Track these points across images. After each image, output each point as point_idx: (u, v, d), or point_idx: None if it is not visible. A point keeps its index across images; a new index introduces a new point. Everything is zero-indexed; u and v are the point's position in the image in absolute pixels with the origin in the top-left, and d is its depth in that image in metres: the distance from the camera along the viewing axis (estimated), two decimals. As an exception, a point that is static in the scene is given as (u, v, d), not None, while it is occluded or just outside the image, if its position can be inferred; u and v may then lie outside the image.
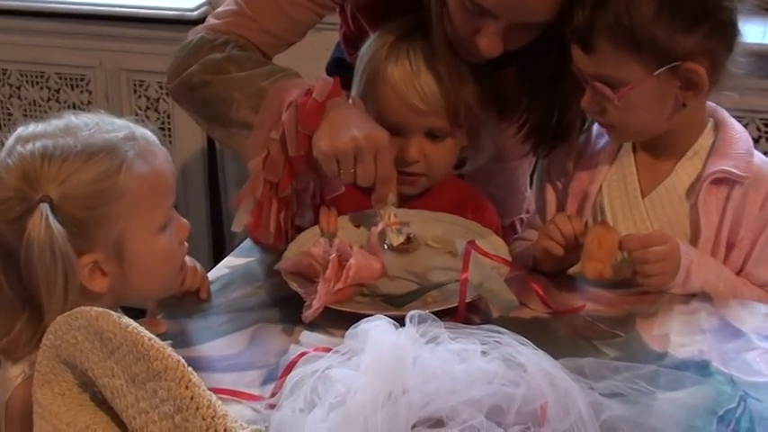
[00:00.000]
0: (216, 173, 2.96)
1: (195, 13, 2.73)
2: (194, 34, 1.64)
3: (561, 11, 1.45)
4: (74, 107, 2.94)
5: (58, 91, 2.95)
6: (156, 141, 1.29)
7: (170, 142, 2.92)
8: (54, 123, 1.25)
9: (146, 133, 1.28)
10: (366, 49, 1.66)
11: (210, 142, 2.92)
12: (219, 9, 1.68)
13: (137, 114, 2.91)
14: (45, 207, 1.17)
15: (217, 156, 2.94)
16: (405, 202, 1.64)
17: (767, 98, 2.33)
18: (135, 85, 2.90)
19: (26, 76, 2.97)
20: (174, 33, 2.77)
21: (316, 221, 1.62)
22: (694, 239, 1.52)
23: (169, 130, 2.92)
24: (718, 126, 1.55)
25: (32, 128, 1.25)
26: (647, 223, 1.55)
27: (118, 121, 1.28)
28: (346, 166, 1.46)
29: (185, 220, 1.35)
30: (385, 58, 1.61)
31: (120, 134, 1.25)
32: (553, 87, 1.61)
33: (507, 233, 1.79)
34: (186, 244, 1.36)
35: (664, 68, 1.42)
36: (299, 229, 1.63)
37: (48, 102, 2.98)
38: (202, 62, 1.58)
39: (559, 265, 1.54)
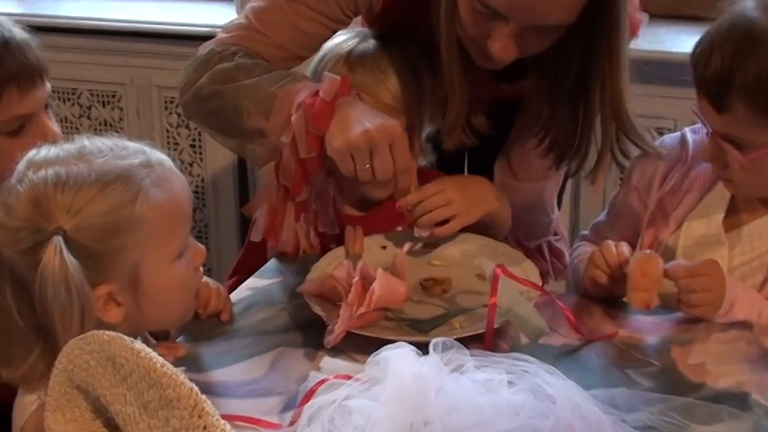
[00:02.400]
0: (247, 190, 2.94)
1: (227, 29, 2.72)
2: (203, 48, 1.63)
3: (579, 13, 1.39)
4: (105, 124, 2.94)
5: (89, 108, 2.95)
6: (173, 167, 1.26)
7: (201, 159, 2.91)
8: (67, 148, 1.22)
9: (161, 159, 1.24)
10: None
11: (241, 159, 2.91)
12: (228, 23, 1.66)
13: (167, 131, 2.90)
14: (59, 240, 1.14)
15: (248, 172, 2.92)
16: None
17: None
18: (166, 101, 2.90)
19: (58, 92, 2.96)
20: (203, 50, 2.77)
21: (340, 231, 1.59)
22: None
23: (200, 147, 2.91)
24: None
25: (44, 152, 1.21)
26: (725, 257, 1.51)
27: (132, 146, 1.24)
28: (361, 161, 1.43)
29: (201, 246, 1.31)
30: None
31: (136, 161, 1.21)
32: (576, 99, 1.55)
33: (533, 255, 1.74)
34: (201, 269, 1.33)
35: None
36: (324, 238, 1.61)
37: (79, 118, 2.98)
38: (211, 73, 1.56)
39: (608, 294, 1.50)
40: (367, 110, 1.49)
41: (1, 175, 1.27)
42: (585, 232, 1.76)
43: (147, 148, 1.24)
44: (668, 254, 1.54)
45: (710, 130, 1.44)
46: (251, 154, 1.56)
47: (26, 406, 1.21)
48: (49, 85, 1.53)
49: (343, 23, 1.65)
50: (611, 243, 1.49)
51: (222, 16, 2.76)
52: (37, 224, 1.15)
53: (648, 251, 1.46)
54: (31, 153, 1.22)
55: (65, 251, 1.13)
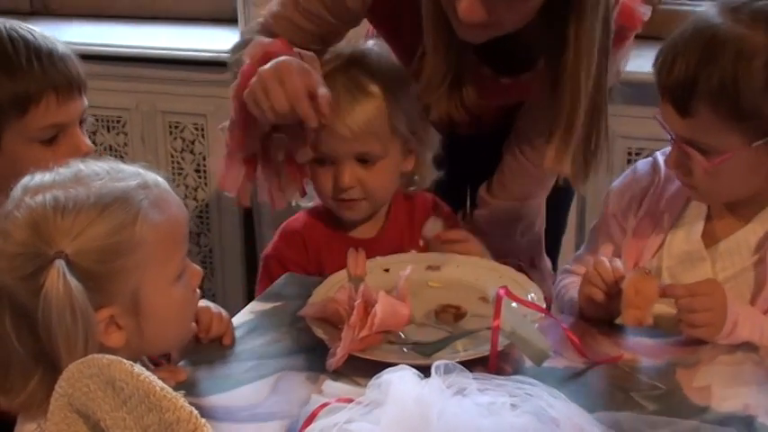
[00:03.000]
0: (251, 215, 2.94)
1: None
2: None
3: None
4: (110, 149, 2.94)
5: (94, 133, 2.94)
6: (169, 188, 1.25)
7: (206, 184, 2.91)
8: (62, 173, 1.21)
9: (158, 180, 1.24)
10: None
11: (246, 184, 2.90)
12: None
13: (172, 156, 2.91)
14: (61, 263, 1.12)
15: (253, 200, 2.91)
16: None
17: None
18: (171, 126, 2.90)
19: (62, 117, 2.97)
20: (210, 75, 2.77)
21: (302, 193, 1.69)
22: (758, 293, 1.47)
23: (204, 171, 2.91)
24: None
25: (39, 178, 1.20)
26: (709, 274, 1.50)
27: (128, 169, 1.23)
28: (260, 103, 1.48)
29: (197, 267, 1.31)
30: None
31: (133, 182, 1.20)
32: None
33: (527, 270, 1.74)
34: (198, 291, 1.32)
35: (763, 141, 1.37)
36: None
37: (84, 143, 2.98)
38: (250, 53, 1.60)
39: (605, 312, 1.48)
40: (282, 59, 1.51)
41: None
42: (568, 266, 1.74)
43: (142, 170, 1.24)
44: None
45: (674, 137, 1.43)
46: None
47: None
48: (86, 101, 1.56)
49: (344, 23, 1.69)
50: (604, 259, 1.47)
51: (227, 41, 2.76)
52: (37, 249, 1.14)
53: (644, 268, 1.46)
54: (26, 179, 1.21)
55: (68, 274, 1.12)
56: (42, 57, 1.48)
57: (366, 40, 1.80)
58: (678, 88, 1.38)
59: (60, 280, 1.12)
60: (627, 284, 1.40)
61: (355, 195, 1.66)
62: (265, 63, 1.51)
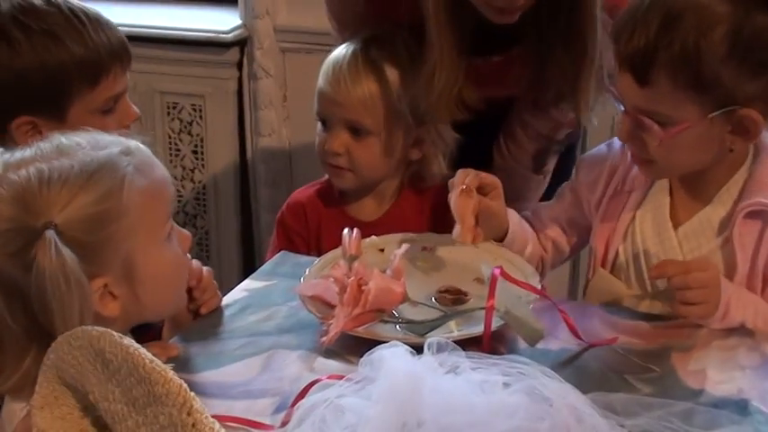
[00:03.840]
0: (248, 197, 2.93)
1: (230, 35, 2.71)
2: None
3: None
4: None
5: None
6: (149, 152, 1.25)
7: (203, 165, 2.90)
8: (43, 147, 1.19)
9: (139, 145, 1.24)
10: None
11: (243, 166, 2.90)
12: None
13: (169, 137, 2.89)
14: (51, 234, 1.11)
15: (249, 180, 2.91)
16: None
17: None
18: (168, 107, 2.88)
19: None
20: (208, 56, 2.76)
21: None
22: (729, 274, 1.45)
23: (202, 153, 2.90)
24: (756, 156, 1.48)
25: (20, 153, 1.19)
26: (678, 255, 1.49)
27: (108, 137, 1.23)
28: None
29: (186, 231, 1.32)
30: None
31: (116, 149, 1.20)
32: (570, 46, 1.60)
33: None
34: (189, 255, 1.33)
35: (720, 112, 1.35)
36: None
37: (81, 124, 2.97)
38: None
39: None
40: None
41: None
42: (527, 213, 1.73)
43: (122, 138, 1.23)
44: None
45: (628, 108, 1.41)
46: None
47: (15, 412, 1.19)
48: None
49: None
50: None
51: (226, 22, 2.76)
52: (24, 223, 1.12)
53: (463, 186, 1.48)
54: (5, 156, 1.19)
55: (60, 245, 1.11)
56: (104, 28, 1.51)
57: None
58: (637, 57, 1.36)
59: (52, 251, 1.10)
60: (452, 204, 1.45)
61: (342, 163, 1.72)
62: None
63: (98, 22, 1.51)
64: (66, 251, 1.11)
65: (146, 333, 1.41)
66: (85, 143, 1.20)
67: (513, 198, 1.82)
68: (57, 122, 1.45)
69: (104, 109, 1.50)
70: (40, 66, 1.46)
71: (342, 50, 1.73)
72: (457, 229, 1.47)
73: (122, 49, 1.53)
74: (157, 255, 1.23)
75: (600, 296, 1.55)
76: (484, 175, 1.51)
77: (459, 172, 1.51)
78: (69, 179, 1.15)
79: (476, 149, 1.82)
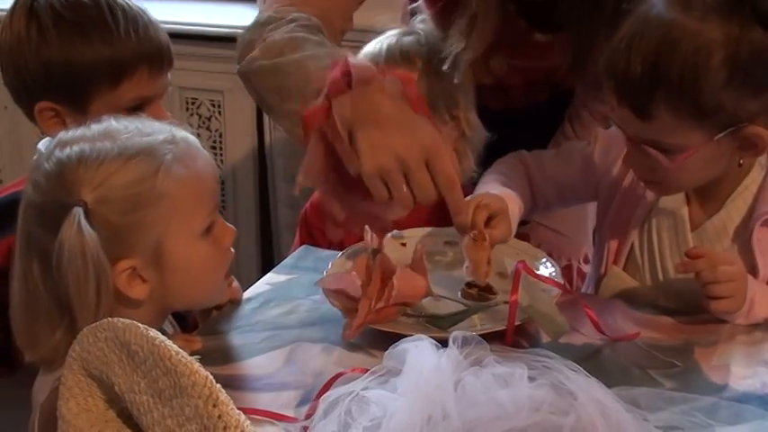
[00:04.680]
0: (267, 192, 2.93)
1: (249, 30, 2.71)
2: (263, 12, 1.51)
3: None
4: (127, 124, 2.94)
5: (111, 107, 2.95)
6: (198, 144, 1.27)
7: (222, 161, 2.91)
8: (94, 128, 1.23)
9: (186, 136, 1.25)
10: None
11: (262, 162, 2.90)
12: None
13: (188, 132, 2.90)
14: (78, 211, 1.14)
15: (268, 175, 2.92)
16: None
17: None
18: (187, 102, 2.90)
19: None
20: (227, 51, 2.75)
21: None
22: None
23: (221, 148, 2.91)
24: None
25: (72, 132, 1.23)
26: None
27: (158, 125, 1.25)
28: (395, 186, 1.25)
29: (231, 226, 1.32)
30: None
31: (160, 137, 1.22)
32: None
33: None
34: (233, 250, 1.33)
35: (725, 133, 1.34)
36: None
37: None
38: (262, 46, 1.43)
39: None
40: (394, 110, 1.27)
41: None
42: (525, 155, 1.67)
43: (173, 127, 1.25)
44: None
45: (631, 137, 1.39)
46: (291, 134, 1.41)
47: (48, 382, 1.20)
48: (170, 76, 1.56)
49: None
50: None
51: (244, 17, 2.76)
52: (60, 198, 1.16)
53: (475, 233, 1.39)
54: (62, 133, 1.23)
55: (83, 222, 1.14)
56: (139, 29, 1.49)
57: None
58: (635, 91, 1.33)
59: (74, 227, 1.14)
60: (464, 251, 1.38)
61: None
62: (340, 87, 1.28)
63: (135, 22, 1.49)
64: (87, 229, 1.14)
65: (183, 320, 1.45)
66: (133, 128, 1.22)
67: (574, 226, 1.82)
68: (79, 114, 1.46)
69: (128, 108, 1.48)
70: (63, 59, 1.46)
71: (376, 45, 1.70)
72: (470, 270, 1.40)
73: (155, 53, 1.50)
74: (189, 246, 1.23)
75: (613, 294, 1.55)
76: (492, 204, 1.41)
77: (471, 204, 1.39)
78: (106, 160, 1.17)
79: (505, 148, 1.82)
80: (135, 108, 1.48)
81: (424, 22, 1.74)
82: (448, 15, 1.65)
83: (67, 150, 1.19)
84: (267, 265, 2.95)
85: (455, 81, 1.65)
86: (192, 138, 1.26)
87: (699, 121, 1.33)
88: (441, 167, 1.25)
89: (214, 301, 1.38)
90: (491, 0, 1.55)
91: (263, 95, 1.45)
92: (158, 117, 1.47)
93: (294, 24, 1.44)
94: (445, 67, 1.65)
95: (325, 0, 1.53)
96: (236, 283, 1.47)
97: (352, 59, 1.29)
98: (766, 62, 1.30)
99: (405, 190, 1.25)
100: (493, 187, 1.55)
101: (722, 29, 1.29)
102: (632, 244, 1.53)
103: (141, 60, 1.48)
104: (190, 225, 1.23)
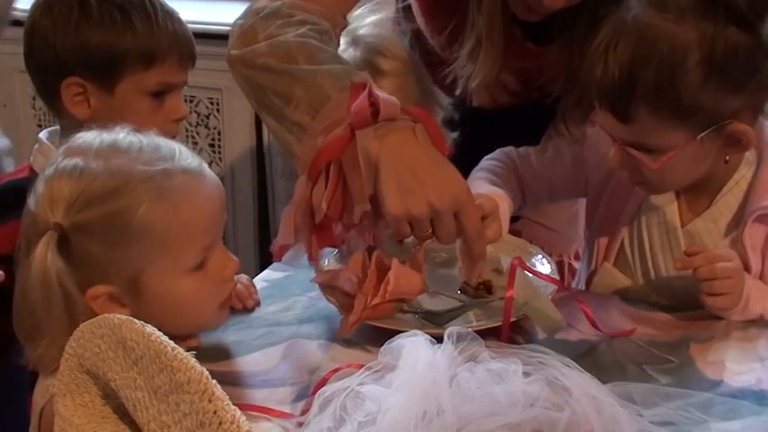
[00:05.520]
0: (265, 192, 2.93)
1: (247, 28, 2.71)
2: (267, 1, 1.46)
3: None
4: (124, 122, 2.94)
5: (108, 106, 2.94)
6: (201, 176, 1.21)
7: (220, 159, 2.90)
8: (102, 138, 1.20)
9: (189, 168, 1.20)
10: None
11: (260, 160, 2.90)
12: None
13: (186, 131, 2.90)
14: (52, 236, 1.12)
15: (266, 175, 2.91)
16: None
17: None
18: (186, 100, 2.88)
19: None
20: (225, 49, 2.75)
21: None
22: None
23: (219, 147, 2.90)
24: (761, 157, 1.47)
25: (82, 139, 1.20)
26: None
27: (165, 149, 1.20)
28: (421, 229, 1.29)
29: (233, 258, 1.26)
30: None
31: (158, 167, 1.17)
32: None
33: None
34: (235, 278, 1.30)
35: (708, 131, 1.34)
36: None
37: (99, 118, 2.98)
38: (271, 43, 1.40)
39: None
40: (426, 156, 1.31)
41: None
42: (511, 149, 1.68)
43: (178, 153, 1.20)
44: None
45: (615, 138, 1.40)
46: (286, 145, 1.42)
47: (47, 389, 1.19)
48: (188, 75, 1.63)
49: None
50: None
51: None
52: (46, 214, 1.15)
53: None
54: (78, 135, 1.21)
55: (50, 250, 1.12)
56: (174, 22, 1.59)
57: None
58: (614, 96, 1.34)
59: (42, 252, 1.12)
60: (458, 252, 1.38)
61: None
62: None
63: (171, 15, 1.59)
64: (53, 259, 1.11)
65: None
66: (135, 150, 1.18)
67: (564, 228, 1.82)
68: (106, 93, 1.54)
69: (153, 92, 1.55)
70: (102, 38, 1.52)
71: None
72: (463, 270, 1.40)
73: (184, 45, 1.59)
74: (173, 282, 1.19)
75: (604, 291, 1.55)
76: (484, 204, 1.39)
77: None
78: (93, 185, 1.14)
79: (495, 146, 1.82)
80: (158, 93, 1.55)
81: (366, 28, 1.74)
82: (454, 41, 1.66)
83: (65, 163, 1.16)
84: (265, 262, 2.93)
85: (473, 104, 1.67)
86: (196, 170, 1.21)
87: (680, 122, 1.33)
88: (470, 219, 1.30)
89: (203, 331, 1.31)
90: (496, 22, 1.55)
91: (261, 93, 1.43)
92: (177, 107, 1.58)
93: (306, 28, 1.42)
94: (458, 92, 1.67)
95: None
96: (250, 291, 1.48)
97: (375, 90, 1.31)
98: (743, 60, 1.30)
99: (429, 232, 1.30)
100: (481, 186, 1.55)
101: (697, 29, 1.29)
102: (622, 241, 1.54)
103: (173, 49, 1.56)
104: (175, 262, 1.18)
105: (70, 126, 1.49)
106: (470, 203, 1.30)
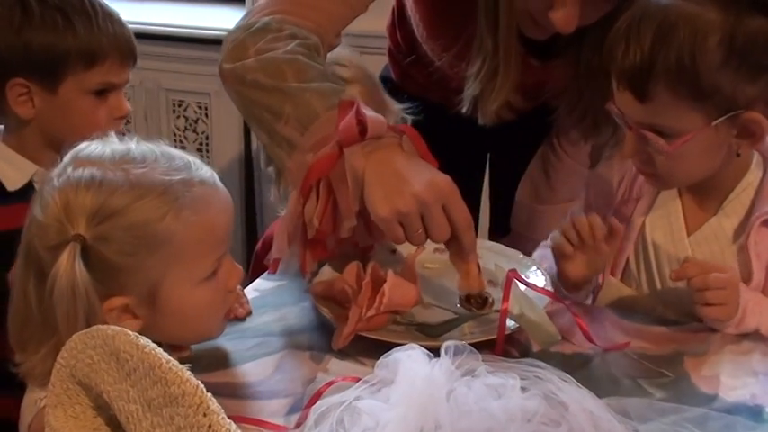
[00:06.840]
0: (253, 196, 2.93)
1: (237, 33, 2.70)
2: (256, 16, 1.48)
3: None
4: (112, 125, 2.92)
5: (97, 109, 2.93)
6: (216, 187, 1.21)
7: (208, 163, 2.86)
8: (113, 148, 1.18)
9: (205, 178, 1.19)
10: None
11: (248, 164, 2.89)
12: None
13: (175, 135, 2.89)
14: (76, 247, 1.10)
15: (254, 180, 2.91)
16: None
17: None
18: (174, 104, 2.89)
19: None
20: (214, 54, 2.71)
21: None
22: (744, 282, 1.44)
23: (207, 151, 2.90)
24: (767, 164, 1.48)
25: (89, 150, 1.18)
26: None
27: (179, 159, 1.18)
28: (412, 227, 1.30)
29: (238, 267, 1.26)
30: None
31: (176, 177, 1.16)
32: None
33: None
34: (239, 287, 1.31)
35: (723, 118, 1.35)
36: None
37: (86, 120, 2.96)
38: (261, 59, 1.42)
39: (579, 269, 1.49)
40: (413, 162, 1.34)
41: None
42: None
43: (193, 164, 1.19)
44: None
45: (631, 124, 1.41)
46: (277, 160, 1.44)
47: (35, 402, 1.18)
48: (129, 74, 1.66)
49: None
50: (583, 218, 1.46)
51: (231, 20, 2.74)
52: (62, 225, 1.12)
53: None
54: (81, 146, 1.19)
55: (77, 260, 1.10)
56: (114, 22, 1.61)
57: None
58: (635, 73, 1.36)
59: (68, 264, 1.10)
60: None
61: None
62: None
63: (111, 16, 1.61)
64: (80, 270, 1.10)
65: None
66: (151, 160, 1.16)
67: (569, 198, 1.81)
68: (49, 93, 1.57)
69: (95, 91, 1.59)
70: (44, 40, 1.55)
71: None
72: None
73: (125, 45, 1.62)
74: (188, 292, 1.19)
75: (611, 305, 1.54)
76: None
77: None
78: (114, 195, 1.13)
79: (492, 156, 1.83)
80: (100, 92, 1.59)
81: None
82: (462, 59, 1.66)
83: (78, 173, 1.14)
84: (253, 267, 2.93)
85: (481, 123, 1.66)
86: (211, 179, 1.20)
87: (697, 103, 1.34)
88: (458, 210, 1.31)
89: (207, 340, 1.31)
90: (513, 48, 1.56)
91: (252, 108, 1.44)
92: (120, 105, 1.62)
93: (295, 43, 1.43)
94: (464, 110, 1.67)
95: (320, 14, 1.51)
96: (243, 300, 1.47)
97: (363, 108, 1.33)
98: (763, 47, 1.32)
99: (420, 231, 1.30)
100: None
101: (720, 13, 1.32)
102: (627, 257, 1.54)
103: (114, 49, 1.59)
104: (192, 272, 1.18)
105: (15, 125, 1.60)
106: (456, 195, 1.31)
